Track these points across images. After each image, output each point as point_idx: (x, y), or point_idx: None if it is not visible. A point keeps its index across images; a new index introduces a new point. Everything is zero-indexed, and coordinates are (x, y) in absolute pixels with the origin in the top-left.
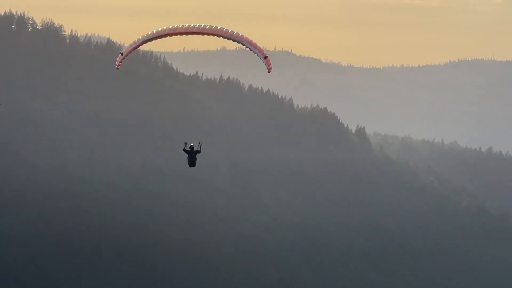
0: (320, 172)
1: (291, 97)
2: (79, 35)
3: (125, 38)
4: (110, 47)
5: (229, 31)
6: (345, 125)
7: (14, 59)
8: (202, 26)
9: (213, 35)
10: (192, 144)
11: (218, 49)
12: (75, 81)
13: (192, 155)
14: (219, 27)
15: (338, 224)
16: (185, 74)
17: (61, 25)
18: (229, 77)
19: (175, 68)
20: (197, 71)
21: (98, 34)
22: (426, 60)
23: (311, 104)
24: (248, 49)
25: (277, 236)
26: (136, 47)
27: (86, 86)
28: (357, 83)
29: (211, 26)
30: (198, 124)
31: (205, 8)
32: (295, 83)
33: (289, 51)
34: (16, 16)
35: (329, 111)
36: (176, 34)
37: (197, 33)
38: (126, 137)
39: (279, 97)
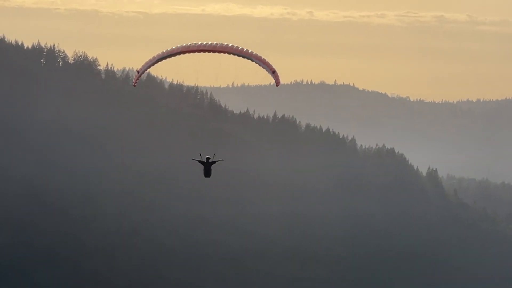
0: (387, 222)
1: (353, 136)
2: (115, 69)
3: (167, 71)
4: (150, 82)
5: (239, 48)
6: (415, 167)
7: (43, 96)
8: (209, 43)
9: (220, 52)
10: (208, 156)
11: (271, 83)
12: (111, 122)
13: (207, 167)
14: (225, 44)
15: (409, 281)
16: (235, 112)
17: (96, 58)
18: (284, 115)
19: (223, 106)
20: (247, 109)
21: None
22: (505, 93)
23: (377, 144)
24: (257, 64)
25: None
26: (151, 65)
27: (123, 128)
28: (428, 119)
29: (222, 44)
30: (249, 169)
31: (259, 37)
32: (358, 120)
33: (351, 85)
34: (45, 49)
35: (396, 151)
36: (184, 52)
37: (203, 51)
38: (167, 187)
39: (340, 137)
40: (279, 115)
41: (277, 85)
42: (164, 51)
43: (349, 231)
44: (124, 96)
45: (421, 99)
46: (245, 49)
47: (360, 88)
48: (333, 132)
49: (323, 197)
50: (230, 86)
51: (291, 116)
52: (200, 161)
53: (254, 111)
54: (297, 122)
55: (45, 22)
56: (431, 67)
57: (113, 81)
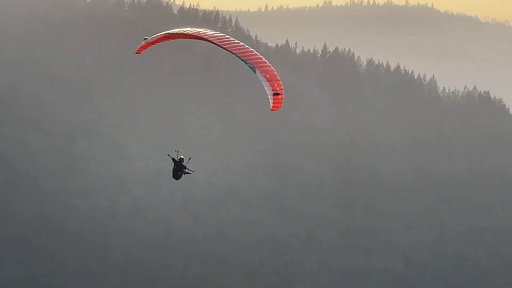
0: (478, 188)
1: (433, 76)
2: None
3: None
4: (153, 7)
5: (252, 54)
6: None
7: None
8: (212, 34)
9: (223, 47)
10: (182, 157)
11: (319, 5)
12: (93, 64)
13: (177, 169)
14: (231, 39)
15: None
16: (270, 45)
17: None
18: (337, 48)
19: (253, 37)
20: (287, 40)
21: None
22: None
23: (465, 87)
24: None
25: None
26: (161, 40)
27: (109, 72)
28: None
29: (233, 42)
30: (292, 122)
31: None
32: (440, 54)
33: (429, 5)
34: None
35: (492, 96)
36: (184, 37)
37: (203, 39)
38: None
39: (415, 77)
40: (330, 49)
41: (272, 110)
42: (171, 31)
43: (431, 196)
44: (117, 24)
45: None
46: (258, 58)
47: (442, 11)
48: (405, 70)
49: (394, 157)
50: (263, 9)
51: (347, 50)
52: (173, 159)
53: (296, 44)
54: (356, 58)
55: None
56: None
57: (102, 5)
